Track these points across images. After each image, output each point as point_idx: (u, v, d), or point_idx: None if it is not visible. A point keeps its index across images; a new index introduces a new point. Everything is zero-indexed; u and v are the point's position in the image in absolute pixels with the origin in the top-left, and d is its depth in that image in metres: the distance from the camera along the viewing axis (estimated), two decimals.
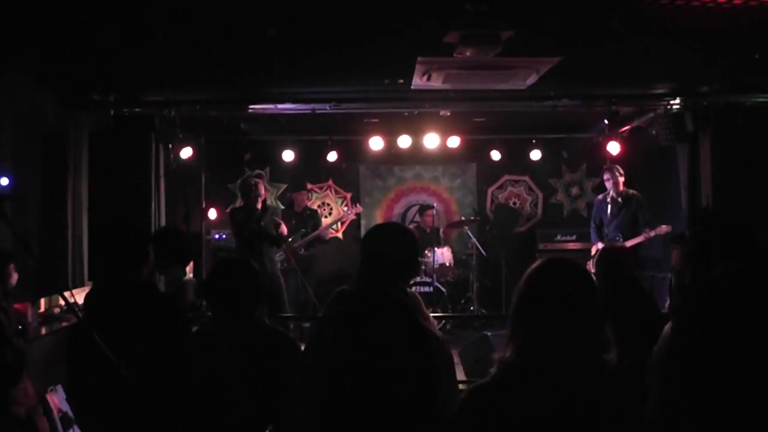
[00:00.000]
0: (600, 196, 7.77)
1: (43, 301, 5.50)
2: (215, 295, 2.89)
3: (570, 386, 1.71)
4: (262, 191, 7.18)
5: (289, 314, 7.42)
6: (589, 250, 7.69)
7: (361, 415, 1.54)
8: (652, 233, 7.09)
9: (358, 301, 1.77)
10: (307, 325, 7.12)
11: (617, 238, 7.08)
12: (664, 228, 7.10)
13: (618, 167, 7.45)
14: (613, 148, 8.21)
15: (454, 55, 4.94)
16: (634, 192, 7.43)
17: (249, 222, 7.05)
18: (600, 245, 7.20)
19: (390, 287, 2.41)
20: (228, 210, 7.49)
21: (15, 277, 4.49)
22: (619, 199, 7.31)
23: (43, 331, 5.07)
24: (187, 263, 4.38)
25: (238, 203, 10.03)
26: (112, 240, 3.46)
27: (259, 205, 7.10)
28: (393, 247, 2.59)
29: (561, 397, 1.70)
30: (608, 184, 7.37)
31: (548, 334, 1.74)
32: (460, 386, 3.03)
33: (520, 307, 1.82)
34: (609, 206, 7.40)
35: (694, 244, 2.56)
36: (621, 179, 7.34)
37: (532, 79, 6.08)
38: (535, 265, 1.89)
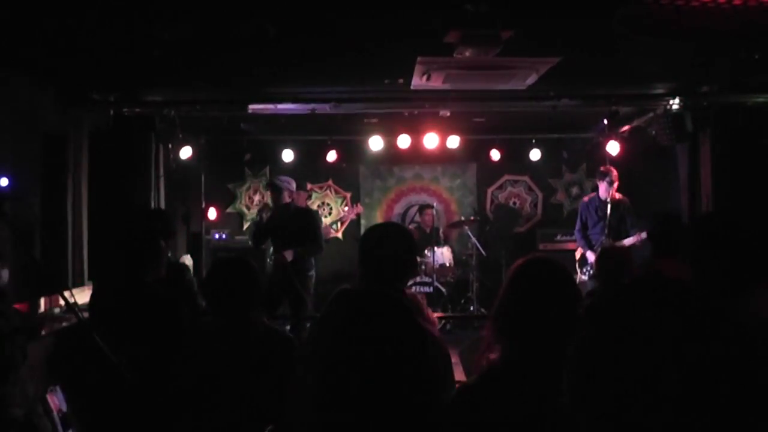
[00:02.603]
0: (586, 198, 7.62)
1: (43, 300, 5.50)
2: (213, 295, 2.90)
3: (552, 386, 1.71)
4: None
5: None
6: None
7: (359, 414, 1.54)
8: (643, 235, 7.05)
9: (356, 301, 1.77)
10: (308, 325, 7.12)
11: (602, 240, 7.03)
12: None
13: (614, 170, 7.37)
14: (613, 148, 8.20)
15: (454, 55, 4.93)
16: (622, 196, 7.33)
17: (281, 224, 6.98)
18: (589, 252, 7.15)
19: (388, 288, 2.41)
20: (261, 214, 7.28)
21: (5, 274, 4.44)
22: (610, 202, 7.21)
23: (43, 331, 5.07)
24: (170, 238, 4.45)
25: (239, 204, 10.06)
26: (129, 240, 3.47)
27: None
28: (390, 248, 2.58)
29: (544, 397, 1.70)
30: (603, 185, 7.19)
31: (531, 335, 1.74)
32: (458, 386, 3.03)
33: (503, 308, 1.83)
34: (597, 209, 7.29)
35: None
36: (616, 183, 7.25)
37: (531, 79, 6.08)
38: (516, 265, 1.90)
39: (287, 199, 6.95)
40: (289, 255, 6.78)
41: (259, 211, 7.36)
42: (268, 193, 7.94)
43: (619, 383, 1.04)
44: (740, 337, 1.07)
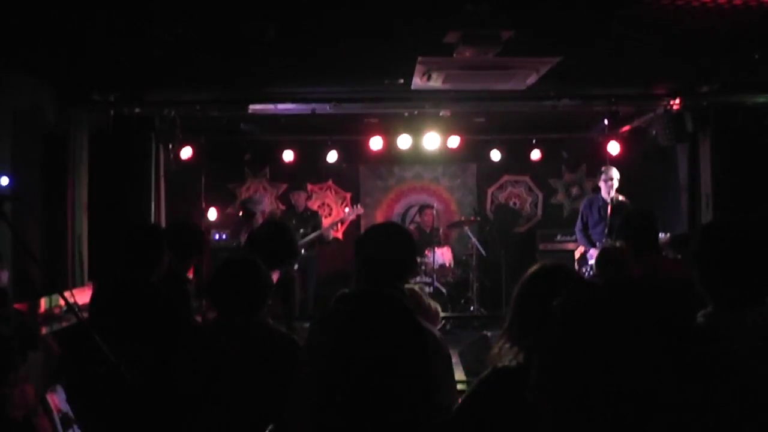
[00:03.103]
0: (588, 198, 7.62)
1: (43, 301, 5.50)
2: (219, 295, 2.89)
3: None
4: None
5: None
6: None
7: (360, 415, 1.54)
8: None
9: (356, 301, 1.77)
10: (307, 325, 7.13)
11: (603, 241, 7.01)
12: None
13: (615, 170, 7.34)
14: (613, 148, 8.20)
15: (454, 55, 4.94)
16: (625, 198, 7.30)
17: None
18: (592, 250, 7.13)
19: (388, 288, 2.41)
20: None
21: (5, 276, 4.43)
22: (612, 203, 7.17)
23: (44, 331, 5.06)
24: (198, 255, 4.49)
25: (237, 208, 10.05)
26: (130, 240, 3.47)
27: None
28: (389, 248, 2.57)
29: None
30: (604, 186, 7.13)
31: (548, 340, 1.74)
32: (459, 386, 3.02)
33: (517, 318, 1.83)
34: (599, 209, 7.27)
35: None
36: (617, 183, 7.22)
37: (532, 79, 6.08)
38: (529, 272, 1.90)
39: (260, 220, 7.11)
40: (275, 275, 6.86)
41: (235, 234, 7.58)
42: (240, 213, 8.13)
43: (594, 390, 1.04)
44: (714, 348, 1.07)
